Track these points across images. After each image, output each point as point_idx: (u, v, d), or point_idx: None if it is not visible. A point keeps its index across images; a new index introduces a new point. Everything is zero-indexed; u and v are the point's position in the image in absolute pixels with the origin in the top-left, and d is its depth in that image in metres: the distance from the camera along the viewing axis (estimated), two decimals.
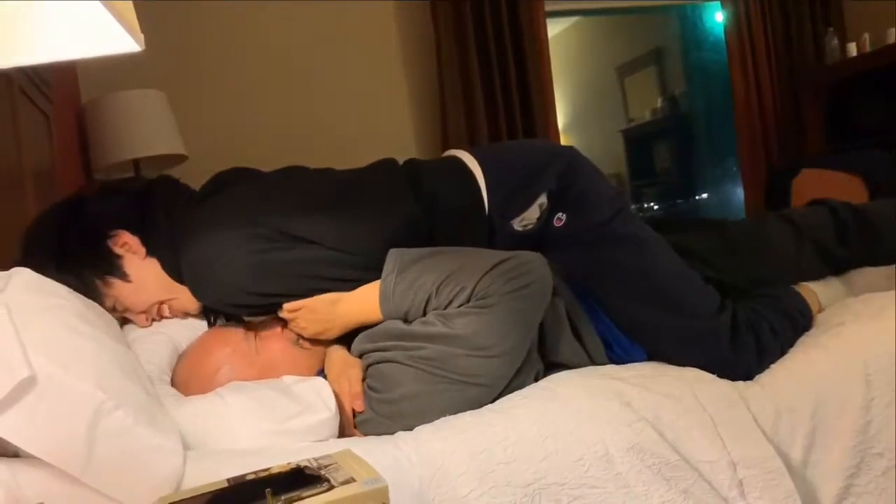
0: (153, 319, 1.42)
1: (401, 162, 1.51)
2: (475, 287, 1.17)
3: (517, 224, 1.42)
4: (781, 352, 1.38)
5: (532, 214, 1.42)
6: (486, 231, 1.43)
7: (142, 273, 1.38)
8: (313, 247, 1.30)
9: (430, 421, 1.17)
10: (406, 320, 1.24)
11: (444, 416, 1.17)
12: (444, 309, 1.19)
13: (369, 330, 1.27)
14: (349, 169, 1.49)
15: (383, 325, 1.25)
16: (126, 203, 1.39)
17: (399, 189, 1.39)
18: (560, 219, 1.42)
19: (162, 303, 1.42)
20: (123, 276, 1.37)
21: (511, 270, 1.18)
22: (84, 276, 1.32)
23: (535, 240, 1.43)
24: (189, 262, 1.33)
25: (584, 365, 1.36)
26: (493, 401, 1.22)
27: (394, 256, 1.26)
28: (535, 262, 1.21)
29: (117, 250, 1.37)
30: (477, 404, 1.20)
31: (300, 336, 1.34)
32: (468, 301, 1.17)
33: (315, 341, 1.34)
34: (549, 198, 1.41)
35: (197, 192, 1.44)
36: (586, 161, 1.51)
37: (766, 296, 1.50)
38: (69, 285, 1.25)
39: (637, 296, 1.38)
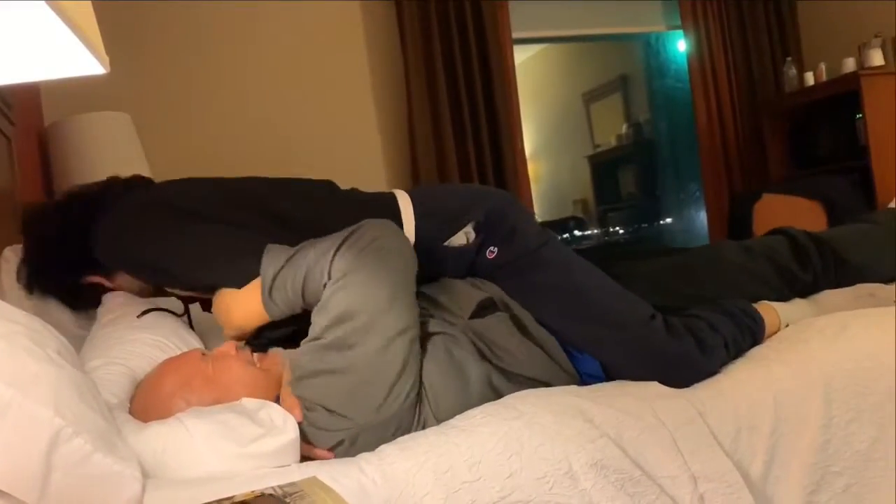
0: None
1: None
2: (330, 270, 1.22)
3: (450, 244, 1.53)
4: (726, 346, 1.42)
5: (458, 240, 1.52)
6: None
7: (120, 282, 1.61)
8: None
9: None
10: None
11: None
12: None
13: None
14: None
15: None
16: (69, 254, 1.55)
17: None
18: (492, 251, 1.52)
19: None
20: (111, 288, 1.61)
21: (353, 239, 1.24)
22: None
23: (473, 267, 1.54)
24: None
25: (542, 363, 1.39)
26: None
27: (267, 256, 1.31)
28: (372, 224, 1.27)
29: (92, 281, 1.60)
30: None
31: (257, 356, 1.34)
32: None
33: (271, 363, 1.33)
34: (479, 231, 1.52)
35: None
36: (517, 202, 1.67)
37: (705, 304, 1.55)
38: None
39: (570, 313, 1.46)
